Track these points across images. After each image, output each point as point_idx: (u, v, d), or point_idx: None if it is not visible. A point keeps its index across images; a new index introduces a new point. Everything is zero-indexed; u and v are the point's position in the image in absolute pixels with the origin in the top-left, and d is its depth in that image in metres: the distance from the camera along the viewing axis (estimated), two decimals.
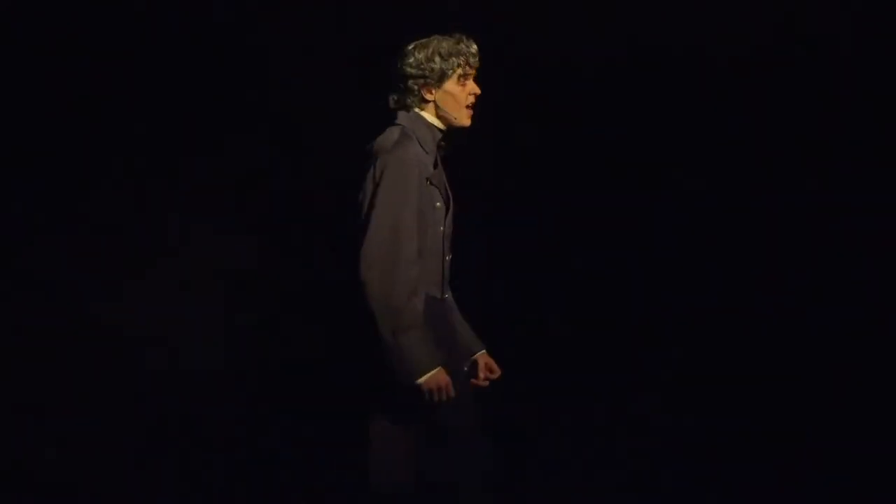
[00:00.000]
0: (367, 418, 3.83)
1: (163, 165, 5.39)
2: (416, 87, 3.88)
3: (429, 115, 3.91)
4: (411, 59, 3.87)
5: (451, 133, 3.94)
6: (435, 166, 3.87)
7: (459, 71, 3.88)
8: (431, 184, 3.83)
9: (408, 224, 3.74)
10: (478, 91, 3.92)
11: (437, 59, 3.86)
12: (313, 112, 5.42)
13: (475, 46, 3.90)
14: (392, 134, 3.85)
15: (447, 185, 3.92)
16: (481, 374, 4.03)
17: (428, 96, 3.89)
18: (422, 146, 3.85)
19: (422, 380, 3.71)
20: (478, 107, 3.94)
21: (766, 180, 5.33)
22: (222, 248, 5.40)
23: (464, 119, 3.92)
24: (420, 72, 3.86)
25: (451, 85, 3.89)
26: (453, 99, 3.89)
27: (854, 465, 5.05)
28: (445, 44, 3.88)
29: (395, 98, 3.92)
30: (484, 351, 4.09)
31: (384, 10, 5.32)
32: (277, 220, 5.49)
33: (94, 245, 5.32)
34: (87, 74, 5.31)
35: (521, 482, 5.09)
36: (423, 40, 3.90)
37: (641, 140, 5.44)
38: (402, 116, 3.91)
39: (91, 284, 5.31)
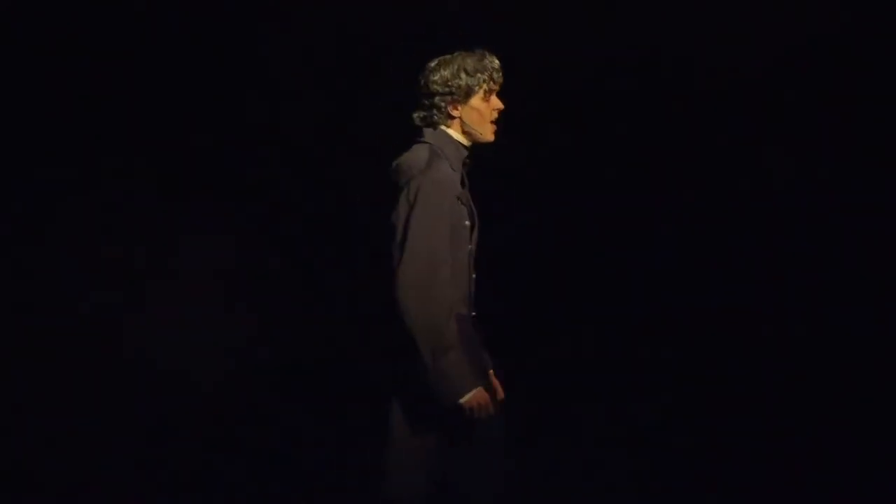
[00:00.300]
0: (389, 428, 3.84)
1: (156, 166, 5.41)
2: (442, 104, 3.88)
3: (455, 133, 3.92)
4: (437, 77, 3.87)
5: (474, 149, 3.95)
6: (462, 184, 3.88)
7: (485, 87, 3.89)
8: (461, 202, 3.84)
9: (444, 245, 3.75)
10: (501, 106, 3.93)
11: (464, 75, 3.86)
12: (312, 116, 5.43)
13: (497, 62, 3.91)
14: (422, 153, 3.85)
15: (472, 201, 3.93)
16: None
17: (454, 113, 3.90)
18: (450, 164, 3.86)
19: (464, 399, 3.74)
20: (501, 122, 3.95)
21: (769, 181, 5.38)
22: (225, 248, 5.42)
23: (488, 134, 3.93)
24: (447, 89, 3.87)
25: (476, 101, 3.89)
26: (479, 115, 3.90)
27: (853, 465, 5.11)
28: (470, 60, 3.88)
29: (421, 115, 3.92)
30: (492, 370, 4.11)
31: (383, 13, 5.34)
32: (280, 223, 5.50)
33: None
34: (88, 74, 5.30)
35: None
36: (447, 57, 3.90)
37: (641, 141, 5.47)
38: (428, 134, 3.91)
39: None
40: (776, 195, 5.37)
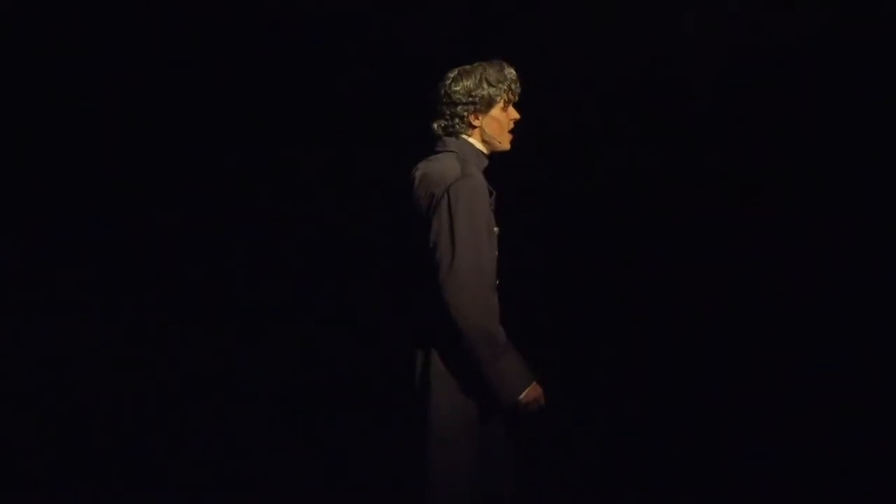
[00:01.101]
0: (430, 431, 3.91)
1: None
2: (465, 114, 3.98)
3: (476, 142, 4.02)
4: (459, 87, 3.96)
5: (491, 158, 4.06)
6: (489, 192, 3.97)
7: (505, 97, 4.00)
8: (492, 208, 3.95)
9: (487, 249, 3.87)
10: (518, 117, 4.05)
11: (486, 85, 3.96)
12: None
13: (515, 73, 4.01)
14: (450, 161, 3.94)
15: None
16: None
17: (475, 123, 4.00)
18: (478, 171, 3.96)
19: (522, 395, 3.88)
20: (518, 132, 4.06)
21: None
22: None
23: (506, 143, 4.05)
24: (470, 98, 3.96)
25: (496, 111, 4.00)
26: (498, 125, 4.01)
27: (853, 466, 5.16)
28: (491, 71, 3.98)
29: (442, 124, 4.01)
30: None
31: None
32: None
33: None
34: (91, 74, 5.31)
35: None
36: (467, 67, 4.00)
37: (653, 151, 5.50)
38: (451, 143, 4.00)
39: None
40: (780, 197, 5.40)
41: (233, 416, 5.40)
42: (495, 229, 3.96)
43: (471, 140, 4.01)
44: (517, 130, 4.06)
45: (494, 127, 4.01)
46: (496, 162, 4.07)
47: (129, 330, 5.38)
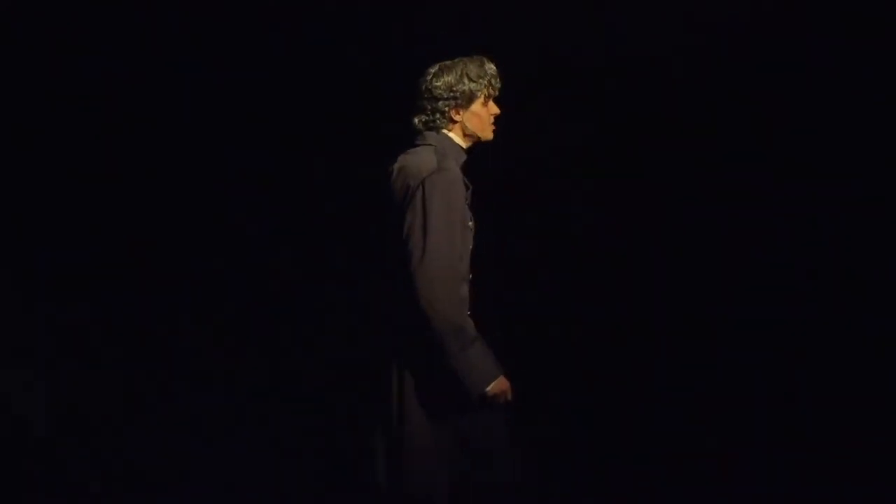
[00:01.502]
0: (403, 425, 3.96)
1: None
2: (446, 109, 4.02)
3: (456, 136, 4.07)
4: (440, 82, 4.01)
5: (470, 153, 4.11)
6: (466, 187, 4.01)
7: (486, 92, 4.05)
8: (467, 202, 3.99)
9: (460, 242, 3.92)
10: (498, 111, 4.10)
11: (467, 81, 4.01)
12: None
13: (495, 68, 4.06)
14: (429, 154, 3.98)
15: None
16: None
17: (456, 118, 4.04)
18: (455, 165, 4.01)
19: (490, 387, 3.91)
20: (498, 125, 4.11)
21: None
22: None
23: (489, 135, 4.11)
24: (451, 94, 4.01)
25: (477, 106, 4.05)
26: (479, 119, 4.06)
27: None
28: (472, 66, 4.03)
29: (423, 119, 4.06)
30: None
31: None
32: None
33: None
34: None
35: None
36: (447, 62, 4.04)
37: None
38: (431, 137, 4.04)
39: None
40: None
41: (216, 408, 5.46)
42: (470, 223, 4.01)
43: (451, 135, 4.06)
44: (499, 123, 4.11)
45: (475, 122, 4.06)
46: (475, 157, 4.11)
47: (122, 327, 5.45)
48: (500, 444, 4.01)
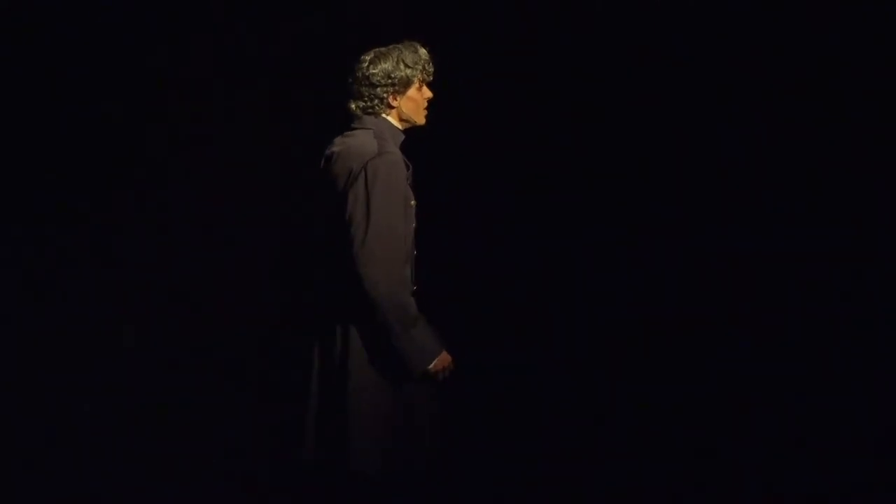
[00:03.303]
0: (348, 396, 4.08)
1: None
2: (385, 95, 4.15)
3: (393, 120, 4.20)
4: (378, 69, 4.13)
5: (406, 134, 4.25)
6: (406, 167, 4.15)
7: (420, 77, 4.19)
8: (408, 183, 4.13)
9: (402, 223, 4.05)
10: (431, 95, 4.24)
11: (403, 67, 4.15)
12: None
13: (428, 54, 4.21)
14: (368, 137, 4.12)
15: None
16: None
17: (393, 103, 4.18)
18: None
19: (432, 364, 4.08)
20: (431, 108, 4.26)
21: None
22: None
23: (422, 119, 4.25)
24: (389, 80, 4.14)
25: (413, 91, 4.19)
26: (414, 104, 4.21)
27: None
28: (407, 52, 4.17)
29: (361, 105, 4.17)
30: None
31: None
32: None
33: None
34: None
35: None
36: (382, 49, 4.18)
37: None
38: (369, 121, 4.16)
39: None
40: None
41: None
42: (412, 202, 4.14)
43: (389, 119, 4.19)
44: (431, 107, 4.26)
45: (411, 106, 4.20)
46: (413, 138, 4.25)
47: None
48: (430, 416, 4.17)
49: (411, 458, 4.12)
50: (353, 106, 4.19)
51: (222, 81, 5.55)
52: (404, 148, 4.19)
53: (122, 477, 5.34)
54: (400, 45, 4.19)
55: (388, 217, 4.00)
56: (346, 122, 4.22)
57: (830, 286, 5.27)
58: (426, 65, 4.19)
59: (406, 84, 4.16)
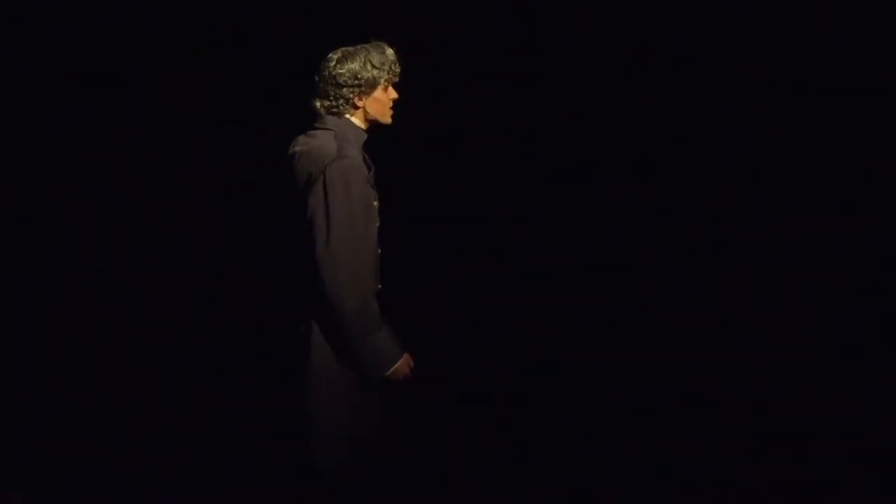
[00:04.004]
0: (311, 398, 4.11)
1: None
2: (350, 96, 4.13)
3: (357, 121, 4.18)
4: (344, 69, 4.11)
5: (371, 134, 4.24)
6: (368, 167, 4.15)
7: (387, 78, 4.17)
8: (369, 184, 4.13)
9: (363, 227, 4.05)
10: (397, 96, 4.22)
11: (370, 67, 4.13)
12: None
13: (394, 54, 4.19)
14: (328, 139, 4.10)
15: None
16: None
17: (359, 103, 4.16)
18: (355, 149, 4.13)
19: (390, 371, 4.08)
20: (397, 108, 4.25)
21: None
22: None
23: (388, 119, 4.24)
24: (355, 81, 4.12)
25: (378, 92, 4.17)
26: (380, 105, 4.19)
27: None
28: (375, 53, 4.15)
29: (326, 104, 4.15)
30: None
31: None
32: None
33: None
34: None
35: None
36: (349, 49, 4.16)
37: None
38: (332, 121, 4.15)
39: None
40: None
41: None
42: (375, 203, 4.15)
43: (352, 119, 4.18)
44: (396, 107, 4.25)
45: (376, 107, 4.18)
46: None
47: None
48: (373, 424, 4.18)
49: (363, 461, 4.14)
50: (317, 104, 4.17)
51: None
52: (367, 146, 4.19)
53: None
54: (367, 46, 4.17)
55: (348, 221, 3.99)
56: (310, 121, 4.22)
57: (830, 286, 5.25)
58: (393, 66, 4.17)
59: (372, 85, 4.15)
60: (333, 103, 4.15)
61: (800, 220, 5.31)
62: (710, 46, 5.37)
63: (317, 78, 4.17)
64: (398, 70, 4.20)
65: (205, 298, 5.58)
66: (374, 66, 4.14)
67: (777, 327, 5.33)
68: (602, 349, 5.53)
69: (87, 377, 5.42)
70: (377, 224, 4.17)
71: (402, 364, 4.11)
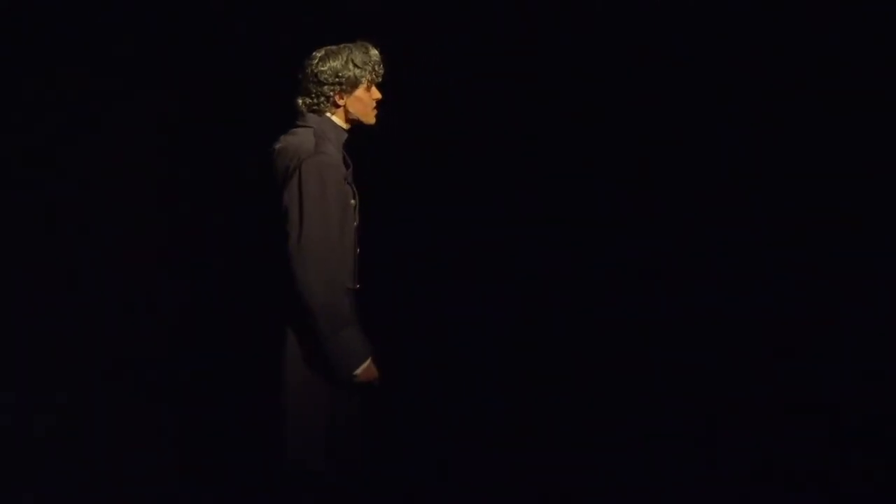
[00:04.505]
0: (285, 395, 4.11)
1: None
2: (331, 94, 4.15)
3: (338, 119, 4.19)
4: (326, 67, 4.13)
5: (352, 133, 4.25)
6: (346, 165, 4.16)
7: (369, 77, 4.18)
8: (346, 182, 4.13)
9: (336, 225, 4.05)
10: (380, 96, 4.23)
11: (352, 66, 4.14)
12: None
13: (379, 55, 4.20)
14: (306, 136, 4.12)
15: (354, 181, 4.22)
16: None
17: (340, 102, 4.17)
18: (333, 147, 4.14)
19: (358, 371, 4.07)
20: (380, 108, 4.25)
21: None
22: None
23: (371, 119, 4.24)
24: (337, 79, 4.13)
25: (361, 91, 4.18)
26: (362, 104, 4.19)
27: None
28: (357, 52, 4.16)
29: (307, 101, 4.17)
30: None
31: None
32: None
33: None
34: None
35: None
36: (333, 48, 4.17)
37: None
38: (312, 119, 4.17)
39: None
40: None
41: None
42: (352, 201, 4.15)
43: (333, 118, 4.19)
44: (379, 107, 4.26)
45: (358, 107, 4.19)
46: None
47: None
48: (351, 418, 4.17)
49: (339, 460, 4.14)
50: (299, 102, 4.19)
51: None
52: (348, 145, 4.20)
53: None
54: (351, 45, 4.18)
55: (321, 218, 4.00)
56: (292, 119, 4.23)
57: (830, 286, 5.25)
58: (376, 66, 4.18)
59: (354, 84, 4.16)
60: (314, 101, 4.17)
61: (799, 221, 5.29)
62: (710, 46, 5.38)
63: (300, 76, 4.19)
64: (382, 71, 4.20)
65: (189, 296, 5.57)
66: (356, 65, 4.14)
67: (777, 327, 5.33)
68: (602, 349, 5.53)
69: (74, 375, 5.43)
70: (355, 223, 4.18)
71: (368, 367, 4.09)
